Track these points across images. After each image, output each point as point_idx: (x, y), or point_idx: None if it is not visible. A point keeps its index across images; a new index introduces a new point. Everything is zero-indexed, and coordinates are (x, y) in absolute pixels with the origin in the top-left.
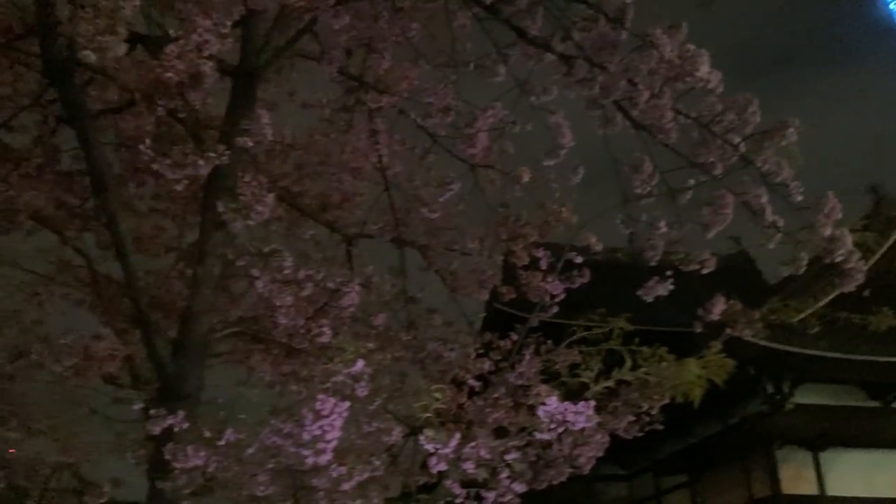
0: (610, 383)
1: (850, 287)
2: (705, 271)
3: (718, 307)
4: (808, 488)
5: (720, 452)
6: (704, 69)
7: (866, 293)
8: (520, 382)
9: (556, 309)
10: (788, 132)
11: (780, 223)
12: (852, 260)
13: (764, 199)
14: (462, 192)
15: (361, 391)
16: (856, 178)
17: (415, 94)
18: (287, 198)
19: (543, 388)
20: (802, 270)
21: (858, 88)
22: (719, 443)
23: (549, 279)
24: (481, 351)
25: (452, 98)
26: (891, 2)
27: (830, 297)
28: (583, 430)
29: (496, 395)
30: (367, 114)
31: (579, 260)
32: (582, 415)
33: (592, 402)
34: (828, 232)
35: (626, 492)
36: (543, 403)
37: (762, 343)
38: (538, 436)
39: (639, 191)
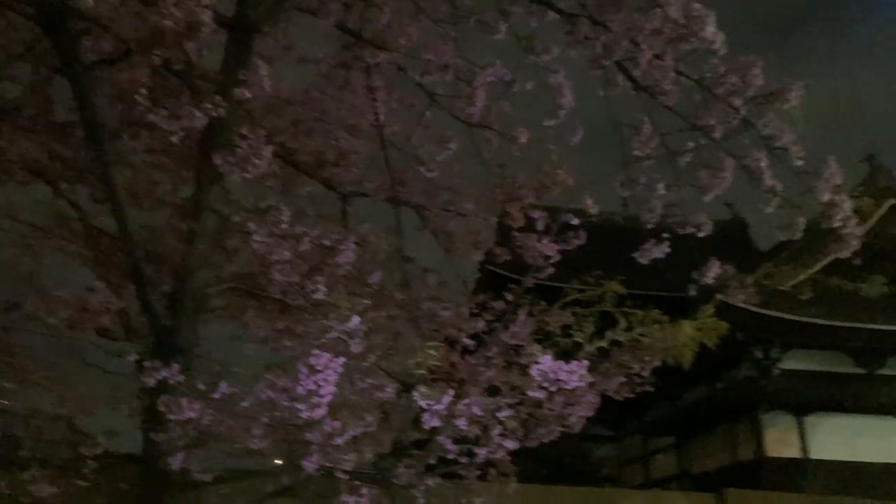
0: (603, 343)
1: (845, 253)
2: (701, 234)
3: (713, 271)
4: (792, 452)
5: (708, 416)
6: (710, 30)
7: (857, 261)
8: (513, 342)
9: (550, 270)
10: (791, 95)
11: (779, 187)
12: (849, 225)
13: (763, 163)
14: (459, 153)
15: (356, 348)
16: (856, 145)
17: (413, 51)
18: (283, 154)
19: (537, 347)
20: (799, 235)
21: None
22: (707, 406)
23: (545, 241)
24: (475, 311)
25: (452, 55)
26: None
27: (823, 263)
28: (574, 389)
29: (489, 355)
30: (365, 70)
31: (575, 222)
32: (575, 374)
33: (586, 362)
34: (826, 197)
35: (614, 452)
36: (537, 362)
37: (752, 309)
38: (530, 394)
39: (638, 153)
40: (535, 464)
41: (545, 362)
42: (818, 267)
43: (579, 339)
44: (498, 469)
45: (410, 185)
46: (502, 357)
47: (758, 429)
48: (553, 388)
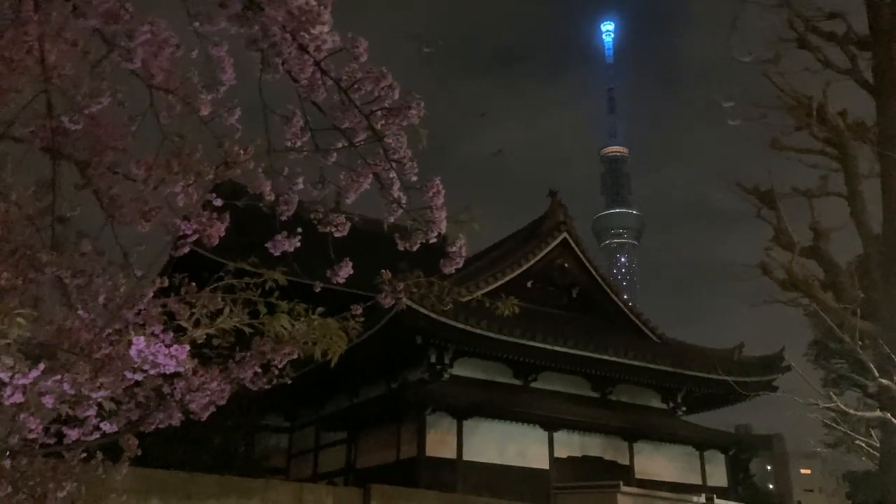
0: (210, 330)
1: (450, 269)
2: (338, 234)
3: (344, 272)
4: (449, 452)
5: (380, 413)
6: (320, 28)
7: (529, 284)
8: (137, 321)
9: (186, 250)
10: (410, 113)
11: (404, 200)
12: (455, 245)
13: (393, 174)
14: (136, 113)
15: None
16: (550, 180)
17: None
18: None
19: (158, 328)
20: (415, 248)
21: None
22: (380, 404)
23: (215, 220)
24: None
25: (112, 3)
26: (606, 32)
27: (500, 282)
28: (198, 374)
29: (108, 331)
30: (35, 4)
31: (219, 203)
32: (173, 358)
33: (186, 347)
34: (429, 214)
35: (286, 443)
36: (132, 343)
37: (433, 315)
38: (129, 375)
39: (289, 144)
40: (199, 451)
41: (139, 343)
42: (496, 285)
43: (184, 324)
44: (125, 451)
45: (74, 138)
46: (118, 335)
47: (422, 429)
48: (153, 371)
